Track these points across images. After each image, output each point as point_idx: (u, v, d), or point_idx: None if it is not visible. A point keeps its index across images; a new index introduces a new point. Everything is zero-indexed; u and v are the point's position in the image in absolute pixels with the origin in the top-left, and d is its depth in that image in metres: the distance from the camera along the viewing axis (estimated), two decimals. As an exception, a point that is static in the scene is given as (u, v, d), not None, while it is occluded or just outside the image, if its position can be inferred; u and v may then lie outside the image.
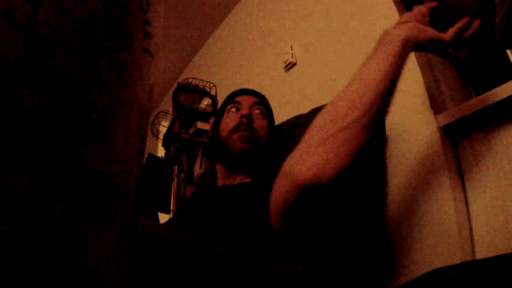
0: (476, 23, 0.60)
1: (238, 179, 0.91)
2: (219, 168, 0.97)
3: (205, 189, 1.14)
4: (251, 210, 0.71)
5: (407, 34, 0.59)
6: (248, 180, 0.90)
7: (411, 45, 0.59)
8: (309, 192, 0.51)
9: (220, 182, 0.96)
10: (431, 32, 0.61)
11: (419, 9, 0.65)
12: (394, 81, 0.56)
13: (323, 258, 0.66)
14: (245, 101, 0.98)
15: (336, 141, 0.52)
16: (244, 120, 0.91)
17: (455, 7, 0.62)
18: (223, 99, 1.01)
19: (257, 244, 0.65)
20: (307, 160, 0.52)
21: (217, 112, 1.04)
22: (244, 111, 0.94)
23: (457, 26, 0.62)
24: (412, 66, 0.96)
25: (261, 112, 0.97)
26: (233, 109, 0.97)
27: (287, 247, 0.63)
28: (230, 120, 0.95)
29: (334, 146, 0.52)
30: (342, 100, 0.56)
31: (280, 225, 0.59)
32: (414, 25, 0.61)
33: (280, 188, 0.55)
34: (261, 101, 1.01)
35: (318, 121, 0.57)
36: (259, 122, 0.95)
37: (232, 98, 1.01)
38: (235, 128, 0.91)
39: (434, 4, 0.64)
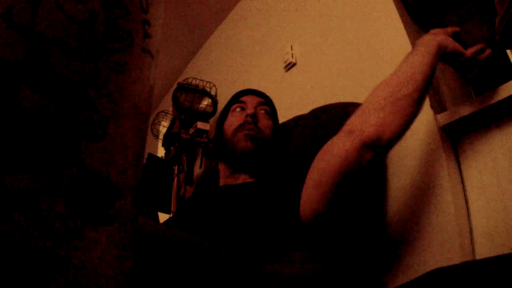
0: (488, 50, 0.73)
1: (241, 179, 0.91)
2: (222, 167, 0.97)
3: (206, 189, 1.14)
4: (256, 209, 0.71)
5: (440, 40, 0.70)
6: (251, 180, 0.90)
7: (442, 50, 0.69)
8: (370, 148, 0.61)
9: (222, 182, 0.96)
10: (457, 44, 0.73)
11: (445, 29, 0.76)
12: (430, 75, 0.66)
13: (327, 259, 0.66)
14: (250, 101, 0.98)
15: (394, 108, 0.62)
16: (249, 119, 0.92)
17: (473, 35, 0.77)
18: (223, 99, 1.02)
19: (262, 244, 0.65)
20: (370, 121, 0.62)
21: (222, 112, 1.04)
22: (249, 111, 0.94)
23: (476, 48, 0.73)
24: (412, 66, 0.97)
25: (266, 112, 0.98)
26: (238, 109, 0.98)
27: (298, 243, 0.65)
28: (235, 119, 0.95)
29: (392, 112, 0.61)
30: (396, 78, 0.66)
31: (317, 207, 0.64)
32: (444, 36, 0.72)
33: (342, 146, 0.62)
34: (266, 102, 1.01)
35: (376, 92, 0.66)
36: (264, 122, 0.95)
37: (237, 98, 1.01)
38: (240, 127, 0.92)
39: (456, 29, 0.76)
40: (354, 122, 0.64)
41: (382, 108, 0.62)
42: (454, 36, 0.75)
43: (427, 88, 0.66)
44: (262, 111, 0.97)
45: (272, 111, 1.01)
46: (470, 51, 0.73)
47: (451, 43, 0.71)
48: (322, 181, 0.64)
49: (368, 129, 0.61)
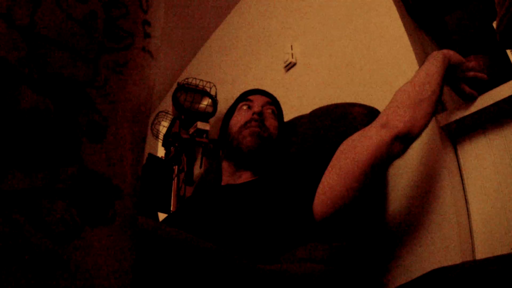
0: (485, 76, 0.83)
1: (243, 177, 0.91)
2: (225, 165, 0.98)
3: (207, 189, 1.14)
4: (258, 209, 0.71)
5: (447, 52, 0.80)
6: (253, 178, 0.90)
7: (447, 61, 0.78)
8: (401, 141, 0.68)
9: (224, 181, 0.96)
10: (459, 56, 0.82)
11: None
12: (441, 81, 0.75)
13: (329, 259, 0.66)
14: (257, 100, 0.99)
15: (422, 106, 0.70)
16: (256, 116, 0.93)
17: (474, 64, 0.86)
18: (223, 99, 1.02)
19: (264, 243, 0.65)
20: (404, 116, 0.69)
21: (228, 110, 1.05)
22: (256, 109, 0.95)
23: (476, 73, 0.84)
24: (412, 66, 0.97)
25: (272, 112, 0.99)
26: (245, 107, 0.99)
27: (302, 242, 0.65)
28: (241, 116, 0.96)
29: (421, 109, 0.70)
30: (418, 81, 0.74)
31: (339, 199, 0.66)
32: (447, 50, 0.82)
33: (377, 136, 0.68)
34: (273, 102, 1.02)
35: (402, 93, 0.73)
36: (270, 121, 0.96)
37: (244, 96, 1.02)
38: (246, 124, 0.92)
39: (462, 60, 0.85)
40: (389, 116, 0.70)
41: (413, 105, 0.70)
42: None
43: (441, 93, 0.75)
44: (269, 111, 0.98)
45: (278, 112, 1.02)
46: (472, 64, 0.83)
47: (454, 54, 0.80)
48: (350, 171, 0.66)
49: (402, 123, 0.68)
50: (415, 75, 0.76)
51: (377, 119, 0.72)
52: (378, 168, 0.68)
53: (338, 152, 0.71)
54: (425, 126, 0.71)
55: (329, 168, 0.70)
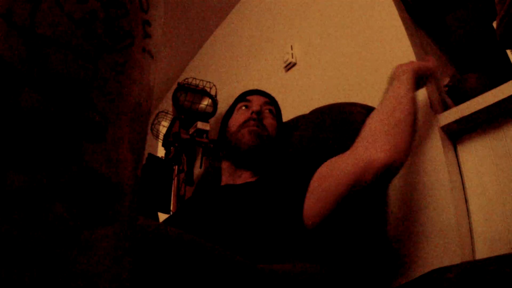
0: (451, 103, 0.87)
1: (243, 177, 0.91)
2: (225, 165, 0.98)
3: (207, 189, 1.14)
4: (255, 211, 0.71)
5: (412, 67, 0.77)
6: (253, 179, 0.90)
7: (415, 76, 0.76)
8: (387, 172, 0.62)
9: (224, 181, 0.96)
10: (426, 64, 0.81)
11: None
12: (414, 99, 0.72)
13: (330, 260, 0.66)
14: (256, 100, 1.00)
15: (399, 130, 0.65)
16: (254, 115, 0.93)
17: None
18: (223, 99, 1.02)
19: (261, 245, 0.65)
20: (381, 146, 0.63)
21: (227, 110, 1.05)
22: (255, 108, 0.95)
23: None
24: (412, 66, 0.96)
25: (271, 112, 0.99)
26: (244, 107, 0.99)
27: (299, 246, 0.65)
28: (240, 116, 0.96)
29: (399, 133, 0.65)
30: (388, 106, 0.70)
31: (324, 214, 0.64)
32: (413, 62, 0.81)
33: (352, 168, 0.63)
34: (271, 102, 1.02)
35: (374, 118, 0.69)
36: (269, 121, 0.96)
37: (243, 97, 1.03)
38: (245, 123, 0.93)
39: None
40: (368, 148, 0.64)
41: (389, 131, 0.65)
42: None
43: (415, 110, 0.71)
44: (267, 111, 0.98)
45: (277, 112, 1.02)
46: (435, 68, 0.82)
47: (419, 65, 0.79)
48: (326, 198, 0.64)
49: (383, 155, 0.62)
50: (384, 101, 0.72)
51: (353, 150, 0.67)
52: (358, 194, 0.64)
53: (318, 174, 0.69)
54: (408, 150, 0.66)
55: (309, 187, 0.68)
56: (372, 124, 0.68)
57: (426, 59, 0.85)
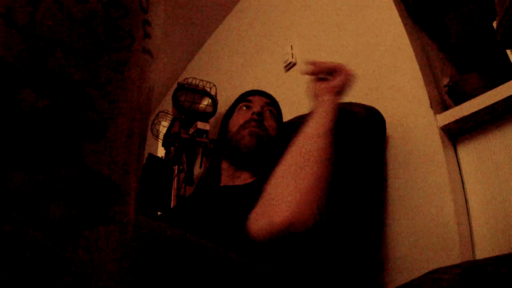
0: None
1: (242, 178, 0.91)
2: (224, 165, 0.98)
3: (206, 189, 1.14)
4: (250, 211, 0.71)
5: (330, 99, 0.75)
6: (252, 179, 0.90)
7: (335, 105, 0.74)
8: (290, 236, 0.53)
9: (223, 182, 0.96)
10: (330, 86, 0.79)
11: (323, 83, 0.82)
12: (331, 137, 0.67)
13: (325, 259, 0.66)
14: (257, 101, 0.99)
15: (306, 189, 0.56)
16: (255, 116, 0.93)
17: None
18: (223, 99, 1.02)
19: (254, 247, 0.65)
20: (279, 211, 0.54)
21: (228, 110, 1.05)
22: (256, 109, 0.95)
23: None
24: (412, 66, 0.97)
25: (271, 112, 0.99)
26: (244, 108, 0.99)
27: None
28: (240, 116, 0.96)
29: (305, 193, 0.56)
30: (298, 153, 0.64)
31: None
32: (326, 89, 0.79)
33: (262, 225, 0.56)
34: (272, 103, 1.02)
35: (279, 171, 0.62)
36: (269, 122, 0.96)
37: (244, 97, 1.02)
38: (245, 124, 0.93)
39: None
40: (264, 208, 0.58)
41: (289, 193, 0.56)
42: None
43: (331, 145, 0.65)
44: (268, 111, 0.98)
45: (277, 113, 1.02)
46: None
47: (338, 83, 0.76)
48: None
49: (280, 218, 0.54)
50: (297, 142, 0.66)
51: (258, 207, 0.59)
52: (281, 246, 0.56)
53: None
54: (319, 209, 0.56)
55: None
56: (276, 179, 0.61)
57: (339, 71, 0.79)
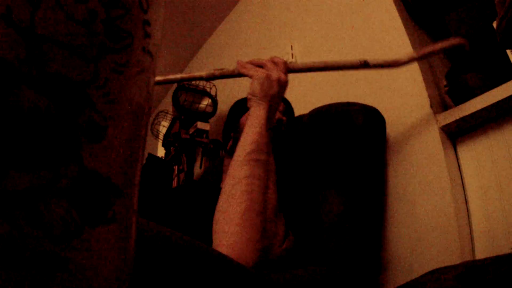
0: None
1: None
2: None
3: (205, 189, 1.13)
4: None
5: (263, 110, 0.72)
6: None
7: (271, 115, 0.71)
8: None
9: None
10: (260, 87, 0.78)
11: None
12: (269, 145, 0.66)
13: (324, 259, 0.66)
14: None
15: (247, 227, 0.55)
16: (275, 124, 0.91)
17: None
18: (223, 99, 1.01)
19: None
20: (226, 246, 0.53)
21: (237, 105, 1.05)
22: (276, 115, 0.94)
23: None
24: (412, 66, 0.96)
25: (283, 122, 0.98)
26: None
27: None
28: None
29: (246, 231, 0.54)
30: (235, 184, 0.62)
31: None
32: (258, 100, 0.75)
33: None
34: (286, 111, 1.02)
35: (221, 204, 0.61)
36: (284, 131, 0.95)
37: None
38: None
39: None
40: (215, 239, 0.57)
41: (233, 231, 0.55)
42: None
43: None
44: (283, 119, 0.97)
45: (288, 120, 1.01)
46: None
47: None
48: None
49: (229, 250, 0.53)
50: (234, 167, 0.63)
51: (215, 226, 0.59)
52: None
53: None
54: (266, 246, 0.56)
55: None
56: (220, 214, 0.60)
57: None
